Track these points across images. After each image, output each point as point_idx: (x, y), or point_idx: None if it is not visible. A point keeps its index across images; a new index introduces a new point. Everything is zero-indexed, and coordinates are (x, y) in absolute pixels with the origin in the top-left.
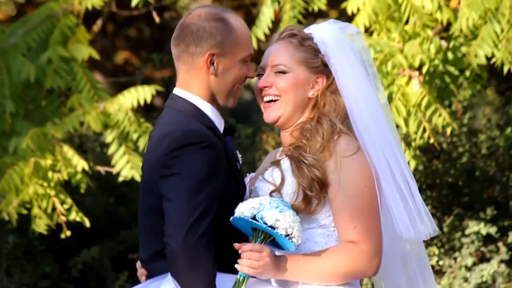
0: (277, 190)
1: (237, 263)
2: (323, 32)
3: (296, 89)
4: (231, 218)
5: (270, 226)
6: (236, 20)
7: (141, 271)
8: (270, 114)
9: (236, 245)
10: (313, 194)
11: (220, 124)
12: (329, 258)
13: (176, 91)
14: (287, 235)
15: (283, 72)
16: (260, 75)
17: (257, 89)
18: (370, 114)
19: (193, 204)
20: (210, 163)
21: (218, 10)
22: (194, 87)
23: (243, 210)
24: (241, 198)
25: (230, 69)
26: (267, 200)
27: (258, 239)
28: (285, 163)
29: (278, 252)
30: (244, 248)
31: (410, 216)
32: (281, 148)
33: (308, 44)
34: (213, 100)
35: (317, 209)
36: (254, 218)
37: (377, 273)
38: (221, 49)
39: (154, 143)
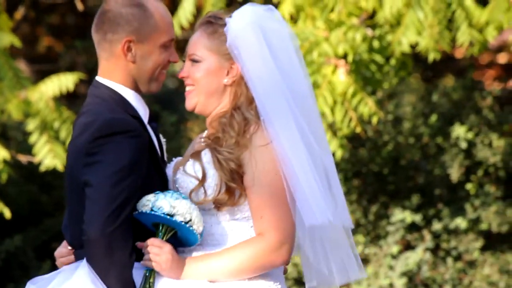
0: (201, 185)
1: None
2: (236, 18)
3: (209, 77)
4: (134, 214)
5: (168, 214)
6: (155, 5)
7: (60, 260)
8: (187, 102)
9: (138, 244)
10: (234, 185)
11: (144, 111)
12: (233, 254)
13: (99, 78)
14: (186, 223)
15: (197, 61)
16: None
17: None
18: (275, 101)
19: (114, 194)
20: (135, 153)
21: None
22: (115, 75)
23: (141, 204)
24: (164, 190)
25: (150, 55)
26: (162, 192)
27: (160, 234)
28: (206, 156)
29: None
30: (145, 244)
31: (326, 203)
32: (204, 134)
33: (221, 31)
34: (135, 87)
35: (240, 201)
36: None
37: (287, 261)
38: (138, 35)
39: (78, 132)
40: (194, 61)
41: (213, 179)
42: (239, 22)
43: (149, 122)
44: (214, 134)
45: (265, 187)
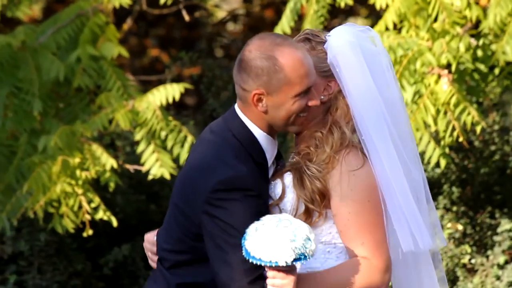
0: (276, 205)
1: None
2: (335, 37)
3: None
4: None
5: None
6: (287, 57)
7: (148, 247)
8: None
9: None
10: (314, 206)
11: (272, 152)
12: (344, 274)
13: (237, 109)
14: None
15: None
16: None
17: None
18: (376, 122)
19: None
20: (253, 213)
21: (272, 45)
22: (250, 115)
23: (284, 255)
24: None
25: (282, 105)
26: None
27: None
28: (288, 178)
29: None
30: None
31: (413, 228)
32: (293, 152)
33: (319, 49)
34: (270, 130)
35: (318, 223)
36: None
37: (387, 286)
38: (268, 88)
39: (195, 168)
40: None
41: (290, 203)
42: (339, 39)
43: (278, 158)
44: (304, 150)
45: (360, 214)
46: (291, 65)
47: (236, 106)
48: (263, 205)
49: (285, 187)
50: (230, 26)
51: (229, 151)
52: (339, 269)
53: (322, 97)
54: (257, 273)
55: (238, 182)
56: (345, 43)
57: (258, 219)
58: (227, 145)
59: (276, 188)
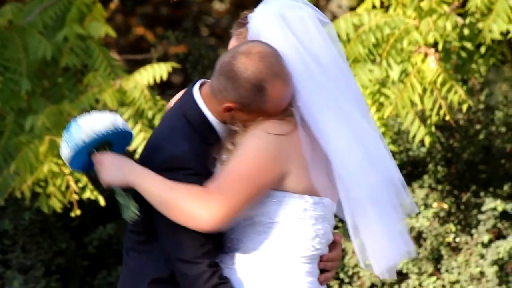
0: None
1: None
2: (255, 15)
3: None
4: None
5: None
6: (276, 92)
7: None
8: None
9: None
10: None
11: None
12: (176, 187)
13: (196, 93)
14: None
15: None
16: None
17: None
18: (317, 90)
19: None
20: None
21: (268, 72)
22: (210, 105)
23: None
24: None
25: (246, 120)
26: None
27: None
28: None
29: None
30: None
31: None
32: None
33: (243, 31)
34: (224, 121)
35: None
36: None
37: (211, 230)
38: (243, 107)
39: (147, 147)
40: None
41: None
42: (259, 16)
43: None
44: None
45: (240, 162)
46: (276, 101)
47: (196, 89)
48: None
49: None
50: (216, 5)
51: (177, 131)
52: (177, 185)
53: None
54: (206, 249)
55: (178, 161)
56: (267, 18)
57: None
58: (176, 125)
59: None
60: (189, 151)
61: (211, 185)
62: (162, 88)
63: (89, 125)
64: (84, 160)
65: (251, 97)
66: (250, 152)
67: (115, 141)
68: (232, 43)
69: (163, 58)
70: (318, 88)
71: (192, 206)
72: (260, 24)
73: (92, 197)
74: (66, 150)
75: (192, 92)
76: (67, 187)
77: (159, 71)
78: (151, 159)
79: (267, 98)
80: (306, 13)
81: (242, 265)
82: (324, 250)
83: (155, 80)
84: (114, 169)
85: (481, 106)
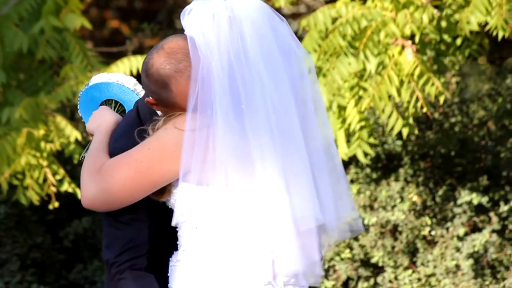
0: None
1: None
2: (187, 19)
3: None
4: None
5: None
6: (181, 87)
7: None
8: None
9: None
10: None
11: None
12: (92, 157)
13: None
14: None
15: None
16: None
17: None
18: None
19: None
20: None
21: (172, 67)
22: None
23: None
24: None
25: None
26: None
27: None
28: None
29: None
30: None
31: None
32: None
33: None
34: None
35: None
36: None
37: (87, 207)
38: (158, 101)
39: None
40: None
41: None
42: (192, 14)
43: None
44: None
45: (137, 150)
46: (184, 97)
47: None
48: None
49: None
50: None
51: (125, 122)
52: (98, 153)
53: None
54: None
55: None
56: (194, 19)
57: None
58: (128, 115)
59: None
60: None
61: (107, 162)
62: (138, 80)
63: (104, 75)
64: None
65: (159, 92)
66: (149, 141)
67: (126, 102)
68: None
69: (139, 51)
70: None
71: (84, 178)
72: (191, 22)
73: (70, 190)
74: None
75: None
76: (45, 179)
77: (135, 63)
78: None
79: (173, 94)
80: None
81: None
82: None
83: (133, 73)
84: (94, 120)
85: (456, 100)
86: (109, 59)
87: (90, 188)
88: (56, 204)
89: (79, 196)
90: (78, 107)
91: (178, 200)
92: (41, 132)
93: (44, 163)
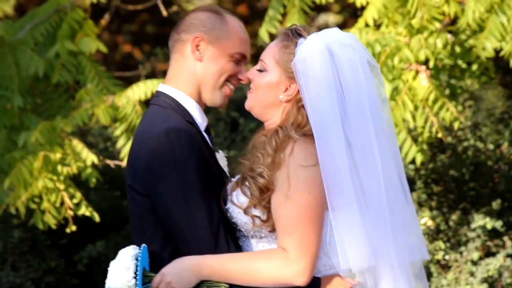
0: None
1: None
2: (307, 43)
3: (267, 89)
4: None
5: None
6: (233, 19)
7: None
8: (246, 101)
9: None
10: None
11: (202, 122)
12: (254, 259)
13: (161, 87)
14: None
15: (261, 70)
16: None
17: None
18: (335, 134)
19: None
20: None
21: (219, 8)
22: (180, 78)
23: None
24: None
25: (217, 58)
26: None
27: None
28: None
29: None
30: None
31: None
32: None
33: (291, 48)
34: (198, 96)
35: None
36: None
37: (305, 284)
38: (209, 35)
39: (136, 141)
40: (260, 69)
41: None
42: (311, 46)
43: (206, 133)
44: (250, 157)
45: (297, 205)
46: (236, 26)
47: (158, 88)
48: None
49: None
50: None
51: (159, 115)
52: (252, 254)
53: (281, 96)
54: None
55: (173, 133)
56: (317, 51)
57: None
58: (154, 116)
59: (239, 197)
60: (177, 123)
61: (283, 242)
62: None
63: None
64: None
65: (213, 23)
66: (303, 188)
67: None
68: (273, 47)
69: (152, 75)
70: (334, 132)
71: (278, 274)
72: (308, 55)
73: (87, 213)
74: None
75: (156, 92)
76: (62, 203)
77: (151, 87)
78: (138, 146)
79: (228, 21)
80: (358, 57)
81: None
82: None
83: (148, 96)
84: (180, 279)
85: (469, 123)
86: (122, 83)
87: (295, 270)
88: (74, 228)
89: (97, 219)
90: None
91: None
92: (58, 155)
93: (61, 186)
